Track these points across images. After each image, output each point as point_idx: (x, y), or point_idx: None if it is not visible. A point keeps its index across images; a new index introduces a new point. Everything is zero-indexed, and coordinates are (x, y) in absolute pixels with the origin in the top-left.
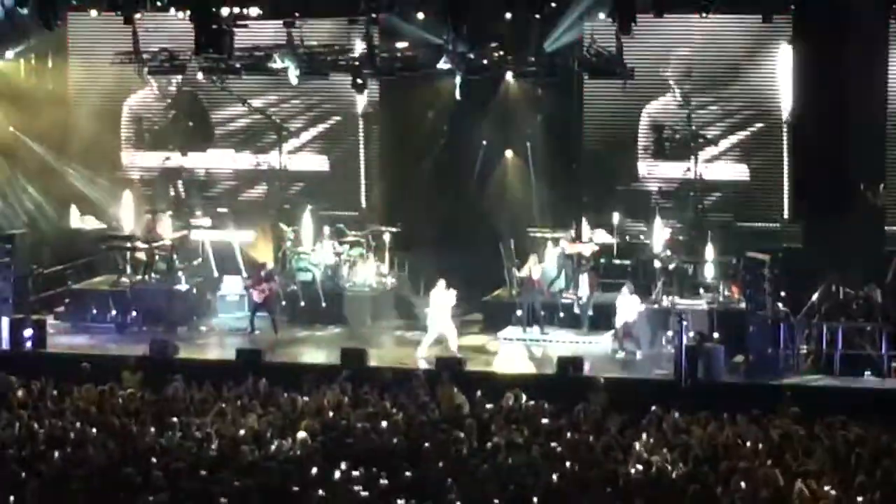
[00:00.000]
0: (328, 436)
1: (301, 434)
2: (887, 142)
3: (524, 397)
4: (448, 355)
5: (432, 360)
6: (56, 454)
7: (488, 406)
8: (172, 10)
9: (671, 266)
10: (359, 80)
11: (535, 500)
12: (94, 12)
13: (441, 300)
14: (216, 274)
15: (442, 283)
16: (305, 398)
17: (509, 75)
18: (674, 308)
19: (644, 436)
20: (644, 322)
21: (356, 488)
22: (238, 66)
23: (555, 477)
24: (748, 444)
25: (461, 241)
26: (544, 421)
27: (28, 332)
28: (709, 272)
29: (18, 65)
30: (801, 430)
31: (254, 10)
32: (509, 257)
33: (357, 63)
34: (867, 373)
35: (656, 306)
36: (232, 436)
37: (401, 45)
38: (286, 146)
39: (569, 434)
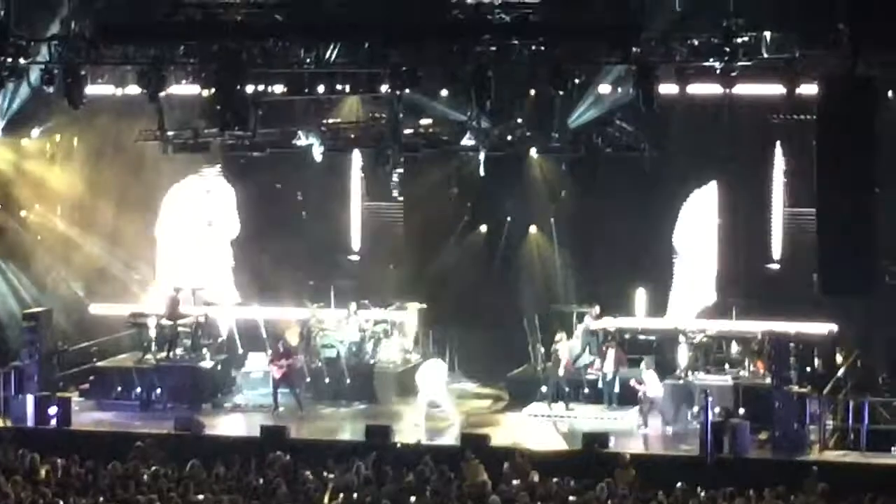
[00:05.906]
0: None
1: None
2: None
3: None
4: (473, 432)
5: (458, 436)
6: None
7: (514, 482)
8: (197, 87)
9: (696, 341)
10: (382, 157)
11: None
12: (119, 90)
13: (431, 373)
14: (240, 351)
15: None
16: (331, 475)
17: (533, 151)
18: (698, 384)
19: None
20: (668, 397)
21: None
22: (262, 142)
23: None
24: None
25: (486, 317)
26: (571, 498)
27: (53, 410)
28: (734, 347)
29: (44, 143)
30: None
31: (278, 88)
32: (534, 333)
33: (381, 139)
34: (894, 449)
35: (681, 381)
36: None
37: (425, 121)
38: None
39: None
